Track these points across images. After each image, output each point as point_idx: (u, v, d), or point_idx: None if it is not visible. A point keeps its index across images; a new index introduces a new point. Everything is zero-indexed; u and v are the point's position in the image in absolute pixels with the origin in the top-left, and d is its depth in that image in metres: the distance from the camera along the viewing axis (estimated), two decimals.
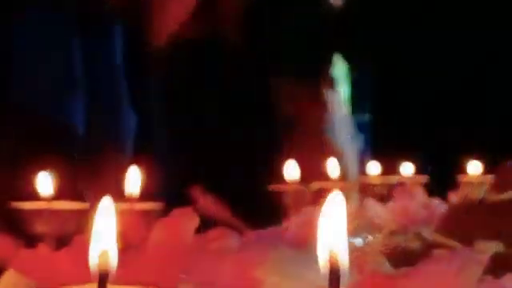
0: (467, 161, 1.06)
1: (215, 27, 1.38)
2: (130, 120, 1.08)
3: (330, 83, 1.70)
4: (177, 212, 0.54)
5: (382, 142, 1.57)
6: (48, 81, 1.01)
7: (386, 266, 0.50)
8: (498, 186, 0.69)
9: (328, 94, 1.65)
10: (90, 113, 1.02)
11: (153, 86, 1.20)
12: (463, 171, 1.05)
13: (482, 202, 0.67)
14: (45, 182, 0.71)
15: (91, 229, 0.42)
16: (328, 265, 0.34)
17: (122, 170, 0.73)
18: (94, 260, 0.36)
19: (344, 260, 0.34)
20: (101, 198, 0.72)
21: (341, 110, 1.71)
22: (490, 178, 0.87)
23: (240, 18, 1.43)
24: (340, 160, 1.00)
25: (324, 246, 0.34)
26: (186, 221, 0.53)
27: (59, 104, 1.00)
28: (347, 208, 0.39)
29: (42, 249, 0.54)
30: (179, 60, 1.28)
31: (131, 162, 0.75)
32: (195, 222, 0.54)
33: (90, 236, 0.41)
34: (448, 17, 1.63)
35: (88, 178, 0.90)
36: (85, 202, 0.71)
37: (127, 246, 0.46)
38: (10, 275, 0.53)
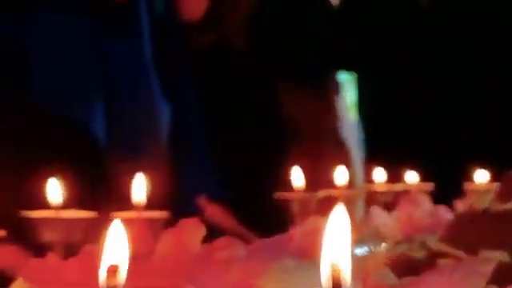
0: (474, 169, 1.06)
1: (222, 32, 1.38)
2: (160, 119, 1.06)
3: (336, 88, 1.70)
4: (184, 222, 0.54)
5: (389, 148, 1.57)
6: (68, 82, 0.99)
7: (390, 277, 0.50)
8: (502, 195, 0.69)
9: (334, 100, 1.66)
10: (112, 118, 0.99)
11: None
12: (470, 179, 1.05)
13: (486, 211, 0.67)
14: (54, 190, 0.72)
15: (100, 240, 0.42)
16: (330, 280, 0.34)
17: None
18: (102, 275, 0.36)
19: (347, 275, 0.34)
20: (111, 206, 0.73)
21: (347, 115, 1.71)
22: (496, 186, 0.87)
23: (247, 23, 1.44)
24: (347, 167, 1.01)
25: (327, 261, 0.35)
26: (192, 231, 0.54)
27: (79, 107, 0.98)
28: (352, 217, 0.40)
29: (51, 258, 0.55)
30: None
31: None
32: (202, 232, 0.54)
33: (98, 247, 0.41)
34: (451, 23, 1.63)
35: (101, 184, 0.89)
36: (94, 209, 0.71)
37: (134, 254, 0.46)
38: (18, 284, 0.54)
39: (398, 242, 0.75)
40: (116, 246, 0.38)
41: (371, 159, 1.60)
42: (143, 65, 1.06)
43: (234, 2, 1.36)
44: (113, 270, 0.36)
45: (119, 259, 0.37)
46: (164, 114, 1.07)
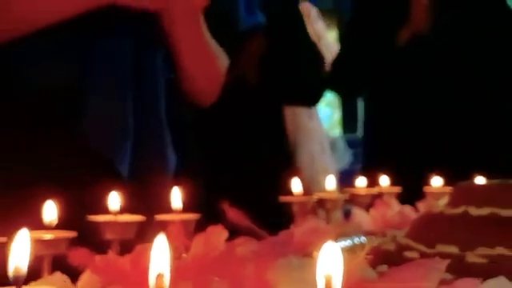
0: (432, 175, 1.07)
1: (238, 70, 1.39)
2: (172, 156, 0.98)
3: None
4: (211, 228, 0.56)
5: (372, 158, 1.57)
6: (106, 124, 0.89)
7: (368, 271, 0.51)
8: (453, 202, 0.69)
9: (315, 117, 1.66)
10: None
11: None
12: (429, 184, 1.06)
13: (441, 213, 0.68)
14: (113, 200, 0.73)
15: (149, 239, 0.43)
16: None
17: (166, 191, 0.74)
18: (152, 281, 0.37)
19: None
20: (155, 211, 0.73)
21: (326, 131, 1.70)
22: (449, 189, 0.88)
23: (257, 63, 1.45)
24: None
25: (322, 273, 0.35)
26: (218, 235, 0.55)
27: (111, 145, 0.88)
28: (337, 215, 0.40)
29: (111, 255, 0.56)
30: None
31: (174, 184, 0.77)
32: (225, 235, 0.56)
33: (148, 246, 0.42)
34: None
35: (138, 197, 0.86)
36: (143, 214, 0.73)
37: (173, 250, 0.47)
38: (87, 276, 0.55)
39: (374, 236, 0.75)
40: (161, 255, 0.39)
41: (355, 166, 1.60)
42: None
43: (249, 50, 1.37)
44: (160, 277, 0.36)
45: (164, 267, 0.38)
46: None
